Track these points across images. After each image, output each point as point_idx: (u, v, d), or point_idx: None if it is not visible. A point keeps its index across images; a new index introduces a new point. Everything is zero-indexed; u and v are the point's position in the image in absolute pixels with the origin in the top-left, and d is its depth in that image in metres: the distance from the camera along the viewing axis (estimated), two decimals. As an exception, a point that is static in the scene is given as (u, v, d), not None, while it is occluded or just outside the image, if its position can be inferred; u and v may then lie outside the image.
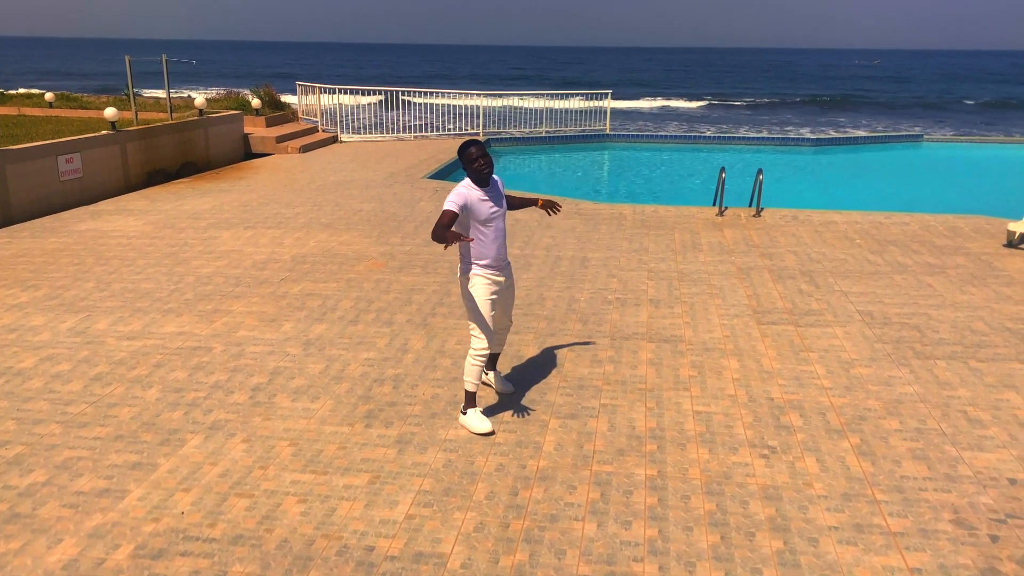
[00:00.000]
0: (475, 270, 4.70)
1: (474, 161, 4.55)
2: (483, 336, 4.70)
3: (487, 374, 5.37)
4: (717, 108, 48.47)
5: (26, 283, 7.67)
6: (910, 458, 4.53)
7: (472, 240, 4.45)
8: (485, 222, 4.63)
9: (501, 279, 4.77)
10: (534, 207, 4.99)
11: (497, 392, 5.32)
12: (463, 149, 4.61)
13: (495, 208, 4.66)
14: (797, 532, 3.85)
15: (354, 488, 4.20)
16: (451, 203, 4.50)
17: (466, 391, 4.82)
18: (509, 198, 5.06)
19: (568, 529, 3.86)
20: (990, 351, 6.08)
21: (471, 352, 4.74)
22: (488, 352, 4.75)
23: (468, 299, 4.73)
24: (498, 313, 4.90)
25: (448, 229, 4.38)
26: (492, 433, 4.78)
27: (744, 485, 4.25)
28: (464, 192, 4.56)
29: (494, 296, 4.73)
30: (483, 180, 4.61)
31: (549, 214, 5.29)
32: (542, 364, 5.80)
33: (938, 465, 4.46)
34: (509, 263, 4.91)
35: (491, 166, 4.59)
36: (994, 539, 3.81)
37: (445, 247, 4.40)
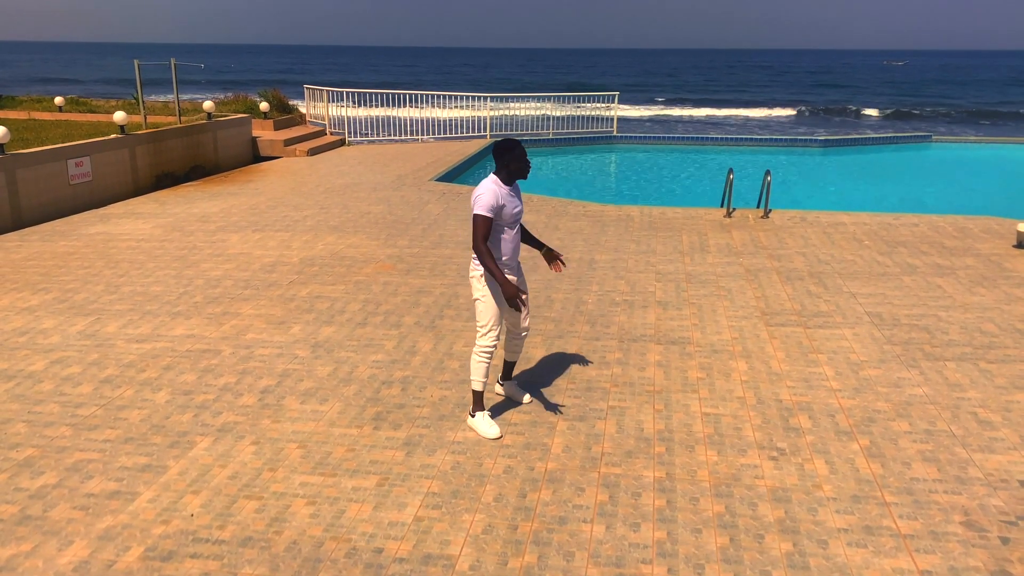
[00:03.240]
0: (484, 269, 4.68)
1: (521, 159, 4.54)
2: (489, 334, 4.70)
3: (502, 384, 5.31)
4: (809, 118, 43.58)
5: (36, 286, 7.72)
6: (920, 460, 4.51)
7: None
8: (509, 223, 4.63)
9: (513, 278, 4.80)
10: (538, 252, 4.97)
11: (514, 400, 5.23)
12: (512, 146, 4.55)
13: (518, 208, 4.68)
14: (806, 534, 3.83)
15: (363, 490, 4.21)
16: (485, 207, 4.47)
17: (473, 391, 4.81)
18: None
19: (577, 531, 3.86)
20: (1000, 352, 6.05)
21: (476, 349, 4.73)
22: (493, 349, 4.73)
23: (479, 296, 4.71)
24: (509, 313, 4.89)
25: (487, 240, 4.48)
26: (500, 437, 4.77)
27: (753, 487, 4.24)
28: (495, 190, 4.52)
29: (502, 296, 4.70)
30: (512, 180, 4.63)
31: (553, 269, 5.03)
32: (550, 366, 5.80)
33: (948, 467, 4.44)
34: (519, 263, 4.93)
35: (528, 165, 4.62)
36: (1005, 541, 3.79)
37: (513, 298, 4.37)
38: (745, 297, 7.40)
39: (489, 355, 4.73)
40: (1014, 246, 9.24)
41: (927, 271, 8.23)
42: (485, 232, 4.49)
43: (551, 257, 5.04)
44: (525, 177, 4.62)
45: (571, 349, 6.12)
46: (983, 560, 3.65)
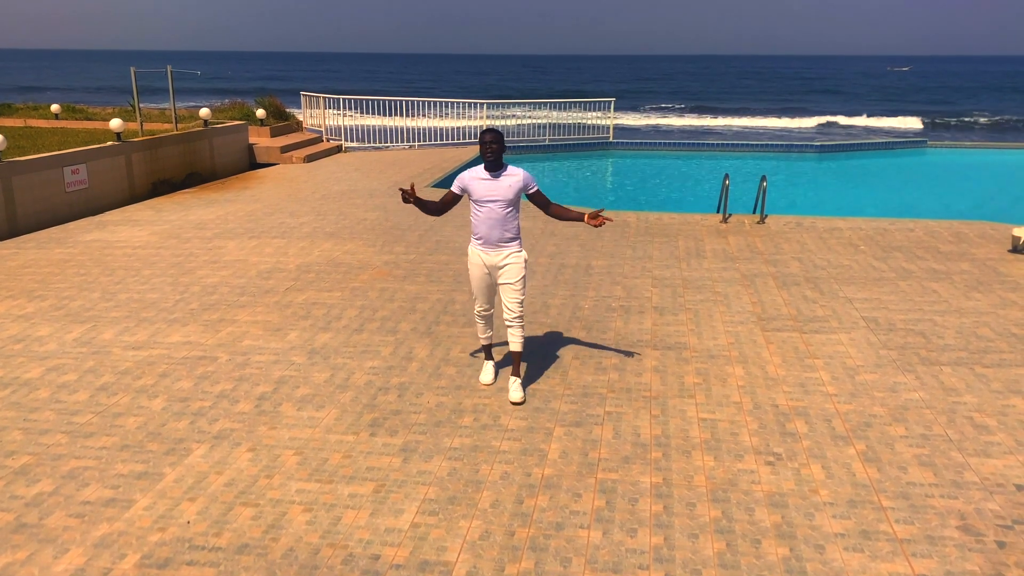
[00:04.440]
0: (471, 243, 5.39)
1: (483, 145, 5.11)
2: (475, 302, 5.55)
3: (510, 379, 5.50)
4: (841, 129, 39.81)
5: (32, 293, 7.70)
6: (916, 464, 4.52)
7: (411, 198, 5.18)
8: (477, 201, 5.21)
9: (489, 259, 5.28)
10: (581, 223, 5.37)
11: (510, 400, 5.31)
12: (480, 134, 5.14)
13: (491, 193, 5.16)
14: (803, 539, 3.84)
15: (359, 497, 4.20)
16: (454, 184, 5.31)
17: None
18: (554, 206, 5.44)
19: (573, 537, 3.86)
20: (996, 356, 6.06)
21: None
22: (479, 314, 5.52)
23: None
24: (485, 291, 5.44)
25: (441, 204, 5.36)
26: (489, 384, 5.54)
27: (750, 492, 4.24)
28: (468, 171, 5.24)
29: (479, 271, 5.35)
30: (488, 165, 5.14)
31: (597, 225, 5.29)
32: (546, 372, 5.80)
33: (944, 471, 4.44)
34: (512, 249, 5.27)
35: (495, 154, 5.07)
36: (1001, 545, 3.79)
37: (408, 196, 5.19)
38: (741, 302, 7.41)
39: (479, 317, 5.57)
40: (1009, 251, 9.27)
41: (923, 276, 8.25)
42: (443, 197, 5.38)
43: (593, 216, 5.32)
44: (489, 159, 5.09)
45: (567, 355, 6.12)
46: (979, 564, 3.65)
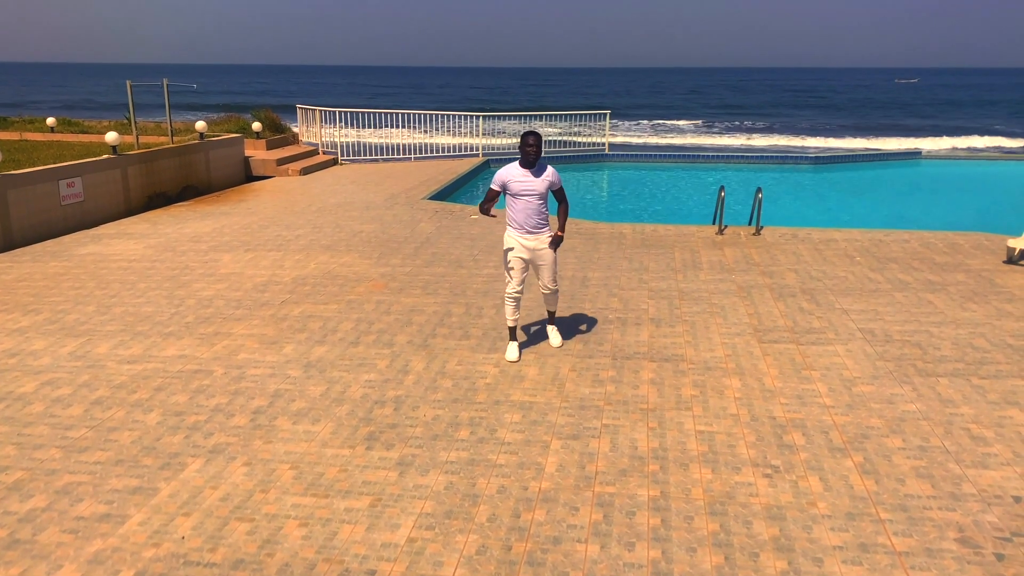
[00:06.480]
0: (507, 229, 6.17)
1: (525, 145, 5.88)
2: (508, 284, 6.18)
3: (547, 325, 6.65)
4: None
5: (27, 307, 7.68)
6: (914, 476, 4.51)
7: (495, 216, 6.18)
8: (514, 194, 6.02)
9: (525, 243, 6.08)
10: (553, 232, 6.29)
11: (551, 344, 6.47)
12: (523, 136, 5.92)
13: (527, 187, 5.97)
14: (801, 552, 3.82)
15: (355, 511, 4.18)
16: (493, 182, 6.09)
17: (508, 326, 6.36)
18: (565, 206, 6.26)
19: (571, 551, 3.84)
20: (992, 368, 6.07)
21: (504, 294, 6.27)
22: (512, 295, 6.15)
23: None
24: (520, 273, 6.13)
25: (490, 203, 6.05)
26: (514, 361, 6.16)
27: (747, 505, 4.23)
28: (505, 168, 6.04)
29: (513, 253, 6.10)
30: (527, 162, 5.93)
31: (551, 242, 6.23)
32: (543, 384, 5.79)
33: (942, 483, 4.44)
34: (546, 233, 6.11)
35: (536, 153, 5.88)
36: (1000, 557, 3.78)
37: (487, 213, 6.09)
38: (738, 314, 7.41)
39: (510, 298, 6.18)
40: (1004, 262, 9.30)
41: (918, 287, 8.26)
42: (488, 196, 6.09)
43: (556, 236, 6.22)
44: (527, 159, 5.89)
45: (564, 367, 6.11)
46: (978, 577, 3.64)
